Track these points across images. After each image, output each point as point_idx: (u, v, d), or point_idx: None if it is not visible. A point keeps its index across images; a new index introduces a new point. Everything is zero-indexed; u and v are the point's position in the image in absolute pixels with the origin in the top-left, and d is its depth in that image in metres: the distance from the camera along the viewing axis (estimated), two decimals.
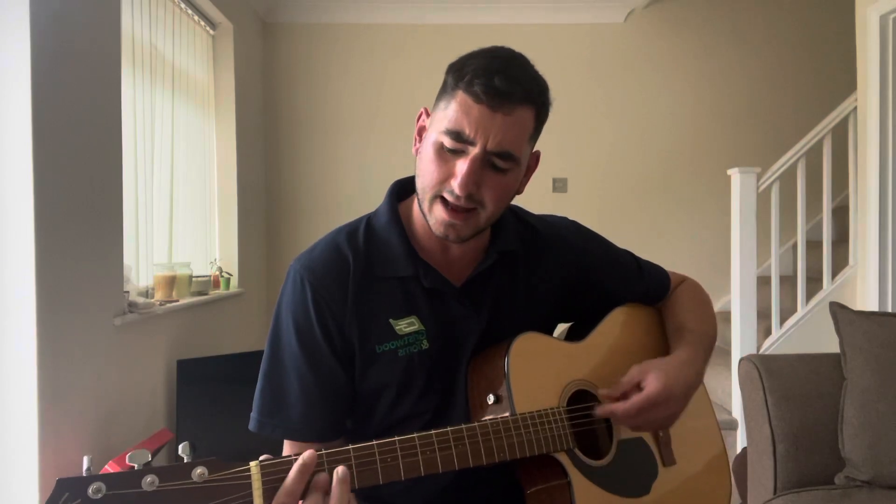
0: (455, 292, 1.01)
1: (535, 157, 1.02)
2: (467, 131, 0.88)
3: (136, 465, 0.68)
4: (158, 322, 2.66)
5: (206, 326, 3.18)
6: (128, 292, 2.44)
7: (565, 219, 1.19)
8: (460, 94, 0.89)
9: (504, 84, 0.88)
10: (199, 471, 0.69)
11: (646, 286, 1.20)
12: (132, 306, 2.42)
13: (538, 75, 0.95)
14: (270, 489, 0.72)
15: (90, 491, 0.65)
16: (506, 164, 0.91)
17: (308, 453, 0.75)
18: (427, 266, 1.00)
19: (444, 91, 0.93)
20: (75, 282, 2.05)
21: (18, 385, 1.85)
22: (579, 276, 1.13)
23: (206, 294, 3.19)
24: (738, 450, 2.92)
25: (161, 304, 2.65)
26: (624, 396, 0.99)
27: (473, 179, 0.89)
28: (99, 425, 2.18)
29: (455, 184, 0.89)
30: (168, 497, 0.67)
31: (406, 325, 0.99)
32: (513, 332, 1.00)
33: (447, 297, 1.01)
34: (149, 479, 0.67)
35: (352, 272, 0.98)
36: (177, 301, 2.78)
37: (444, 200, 0.92)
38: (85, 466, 0.68)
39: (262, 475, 0.72)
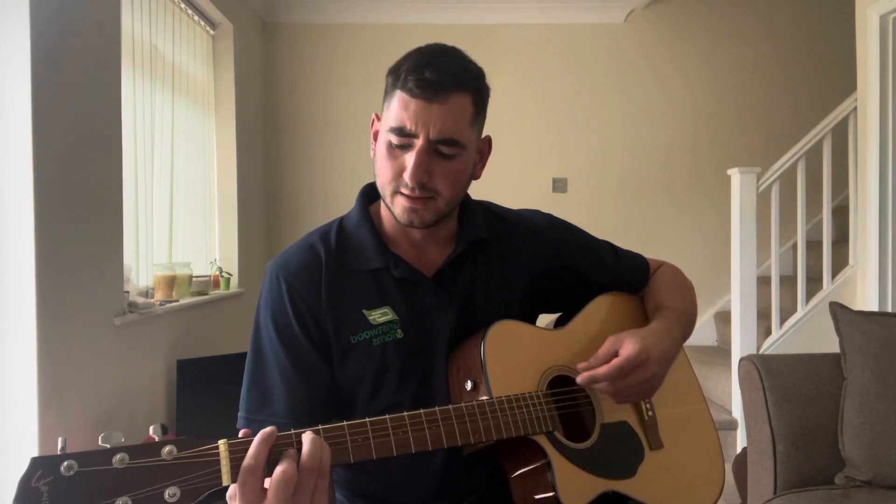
0: (427, 282, 1.04)
1: (487, 142, 1.06)
2: (408, 125, 0.93)
3: (108, 445, 0.70)
4: (158, 322, 2.66)
5: (206, 326, 3.18)
6: (128, 292, 2.44)
7: (538, 211, 1.22)
8: (398, 93, 0.95)
9: (434, 75, 0.93)
10: (167, 448, 0.71)
11: (625, 273, 1.22)
12: (132, 306, 2.42)
13: (469, 63, 0.99)
14: (238, 467, 0.73)
15: (62, 468, 0.67)
16: (451, 150, 0.95)
17: (269, 428, 0.75)
18: (397, 257, 1.03)
19: (386, 93, 0.99)
20: (75, 282, 2.05)
21: (18, 385, 1.86)
22: (554, 264, 1.14)
23: (206, 294, 3.19)
24: (738, 450, 2.92)
25: (161, 304, 2.66)
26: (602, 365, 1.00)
27: (422, 170, 0.94)
28: (99, 425, 2.18)
29: (406, 175, 0.94)
30: (138, 474, 0.69)
31: (380, 315, 1.01)
32: (488, 321, 1.02)
33: (419, 287, 1.03)
34: (118, 456, 0.69)
35: (324, 267, 1.02)
36: (177, 301, 2.78)
37: (402, 193, 0.97)
38: (59, 446, 0.70)
39: (231, 453, 0.73)
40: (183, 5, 3.20)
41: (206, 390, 2.76)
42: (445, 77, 0.93)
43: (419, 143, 0.94)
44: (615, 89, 4.29)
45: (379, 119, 1.03)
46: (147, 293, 2.77)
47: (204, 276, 3.26)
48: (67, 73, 2.03)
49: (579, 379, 0.99)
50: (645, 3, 4.18)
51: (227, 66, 3.67)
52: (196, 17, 3.36)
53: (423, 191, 0.95)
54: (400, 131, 0.94)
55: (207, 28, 3.53)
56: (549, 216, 1.20)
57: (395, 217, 1.00)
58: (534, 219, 1.18)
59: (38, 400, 1.86)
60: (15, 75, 1.83)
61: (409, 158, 0.94)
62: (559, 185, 4.29)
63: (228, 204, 3.66)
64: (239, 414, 0.99)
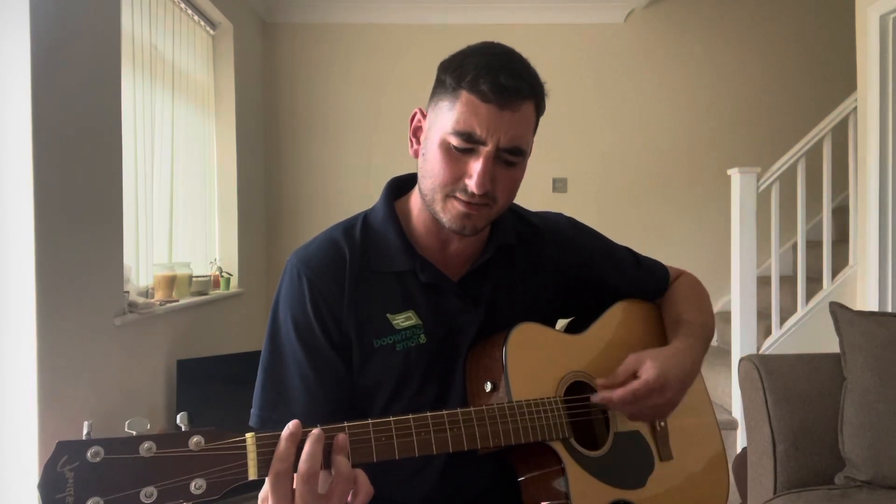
0: (453, 287, 1.02)
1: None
2: (478, 131, 0.89)
3: (134, 433, 0.69)
4: (158, 322, 2.66)
5: (206, 326, 3.18)
6: (128, 292, 2.44)
7: (562, 215, 1.20)
8: (465, 94, 0.90)
9: (510, 81, 0.89)
10: (195, 439, 0.70)
11: (644, 281, 1.21)
12: (132, 306, 2.42)
13: (533, 68, 0.96)
14: (265, 461, 0.73)
15: (89, 454, 0.65)
16: (516, 159, 0.93)
17: (293, 422, 0.75)
18: (424, 261, 1.01)
19: (444, 91, 0.93)
20: (75, 282, 2.05)
21: (18, 385, 1.85)
22: (578, 272, 1.14)
23: (206, 294, 3.19)
24: (738, 450, 2.92)
25: (161, 304, 2.65)
26: (621, 385, 0.99)
27: (489, 178, 0.91)
28: (98, 425, 2.17)
29: (471, 183, 0.90)
30: (165, 464, 0.68)
31: (403, 320, 0.99)
32: (510, 326, 1.00)
33: (445, 291, 1.02)
34: (146, 444, 0.68)
35: (348, 267, 0.99)
36: (177, 301, 2.78)
37: (458, 198, 0.93)
38: (85, 431, 0.68)
39: (258, 446, 0.73)
40: (183, 5, 3.20)
41: (206, 390, 2.76)
42: (522, 84, 0.90)
43: (487, 150, 0.90)
44: (615, 89, 4.29)
45: (425, 116, 0.98)
46: (147, 293, 2.77)
47: (204, 276, 3.25)
48: (67, 73, 2.03)
49: (595, 398, 0.99)
50: (645, 3, 4.18)
51: (227, 66, 3.66)
52: (196, 17, 3.36)
53: (484, 197, 0.92)
54: (468, 137, 0.89)
55: (207, 28, 3.53)
56: (573, 221, 1.19)
57: (442, 222, 0.96)
58: (559, 224, 1.17)
59: (38, 400, 1.86)
60: (15, 75, 1.83)
61: (475, 166, 0.90)
62: (559, 185, 4.29)
63: (228, 204, 3.66)
64: (252, 410, 0.97)
